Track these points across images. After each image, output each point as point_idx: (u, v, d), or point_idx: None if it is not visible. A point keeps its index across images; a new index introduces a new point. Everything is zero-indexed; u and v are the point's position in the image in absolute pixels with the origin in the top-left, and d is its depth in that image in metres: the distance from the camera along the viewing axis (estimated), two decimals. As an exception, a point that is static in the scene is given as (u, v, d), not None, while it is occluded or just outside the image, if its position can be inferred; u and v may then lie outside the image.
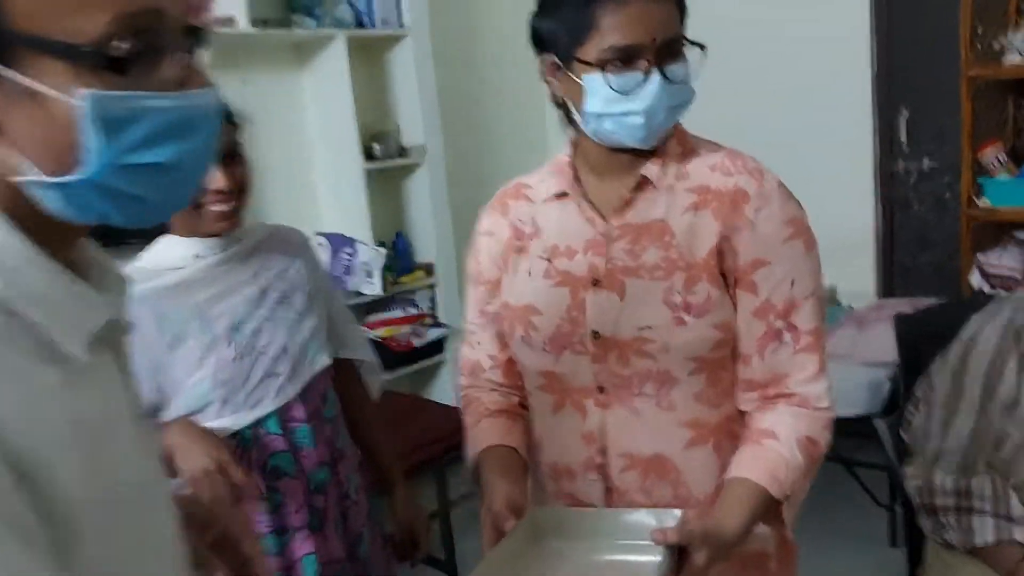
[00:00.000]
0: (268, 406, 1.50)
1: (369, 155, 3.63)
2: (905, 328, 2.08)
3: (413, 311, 3.80)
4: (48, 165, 0.64)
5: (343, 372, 1.70)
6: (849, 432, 1.99)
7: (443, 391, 4.06)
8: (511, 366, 1.39)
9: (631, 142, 1.20)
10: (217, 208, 1.42)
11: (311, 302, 1.58)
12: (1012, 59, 3.25)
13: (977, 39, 3.29)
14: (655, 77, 1.14)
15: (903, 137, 3.74)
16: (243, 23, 3.15)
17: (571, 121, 1.25)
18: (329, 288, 1.71)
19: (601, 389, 1.24)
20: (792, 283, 1.20)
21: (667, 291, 1.20)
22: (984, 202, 3.32)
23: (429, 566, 2.97)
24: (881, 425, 2.47)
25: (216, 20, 3.14)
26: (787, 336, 1.21)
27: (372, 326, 3.68)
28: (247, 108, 3.19)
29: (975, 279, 3.34)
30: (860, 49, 3.69)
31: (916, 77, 3.64)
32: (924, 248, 3.78)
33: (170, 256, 1.48)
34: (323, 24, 3.44)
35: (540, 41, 1.23)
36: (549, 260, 1.28)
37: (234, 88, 3.36)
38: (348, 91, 3.46)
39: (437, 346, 3.84)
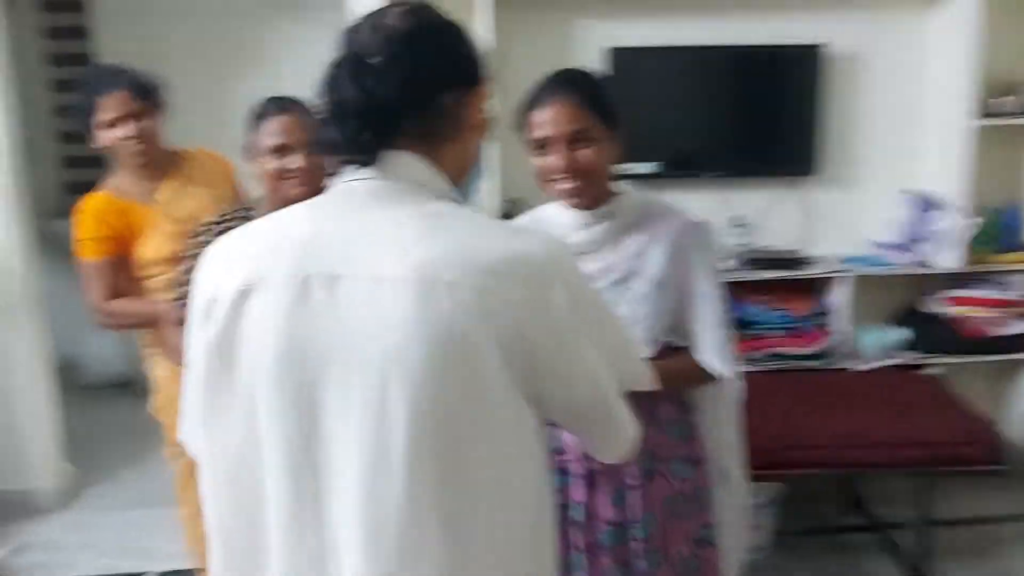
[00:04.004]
0: None
1: (989, 111, 3.19)
2: None
3: (1003, 295, 3.31)
4: None
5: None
6: None
7: (1004, 393, 3.51)
8: None
9: None
10: (561, 186, 1.60)
11: (655, 291, 1.64)
12: None
13: None
14: None
15: None
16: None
17: None
18: (697, 285, 1.67)
19: None
20: None
21: None
22: None
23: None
24: None
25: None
26: None
27: (948, 301, 3.34)
28: (870, 47, 3.15)
29: None
30: None
31: None
32: None
33: (559, 217, 1.71)
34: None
35: None
36: None
37: (860, 27, 3.28)
38: (974, 36, 3.07)
39: (1019, 342, 3.29)
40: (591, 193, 1.63)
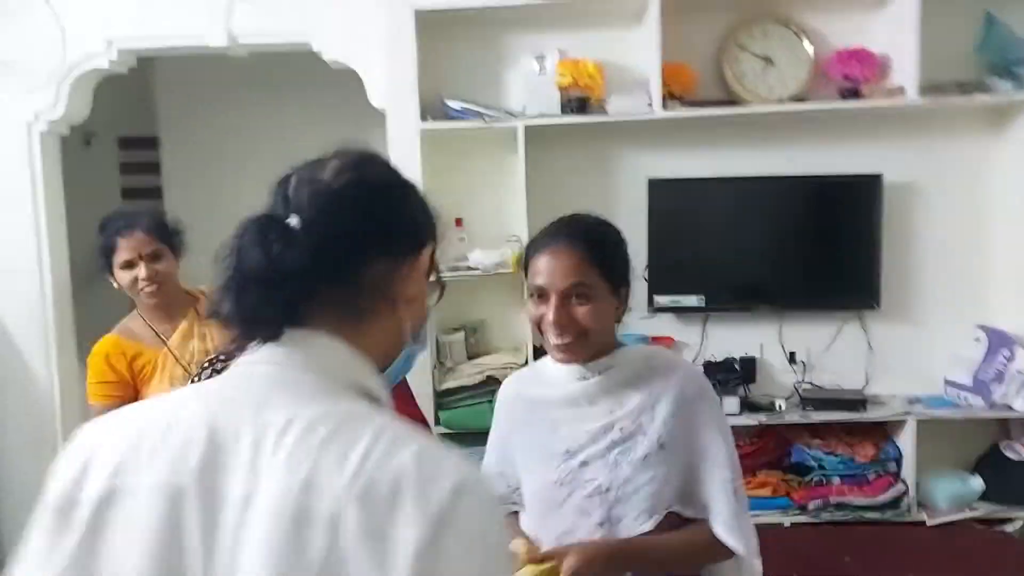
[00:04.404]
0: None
1: (1065, 242, 2.97)
2: None
3: (1097, 442, 2.98)
4: None
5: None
6: None
7: None
8: None
9: None
10: (552, 339, 1.47)
11: (660, 453, 1.47)
12: None
13: None
14: None
15: None
16: (912, 92, 2.91)
17: None
18: (705, 448, 1.50)
19: None
20: None
21: None
22: None
23: None
24: None
25: (887, 91, 2.99)
26: None
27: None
28: (931, 176, 2.98)
29: None
30: None
31: None
32: None
33: (554, 368, 1.57)
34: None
35: None
36: None
37: (920, 156, 3.14)
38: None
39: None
40: (582, 351, 1.49)
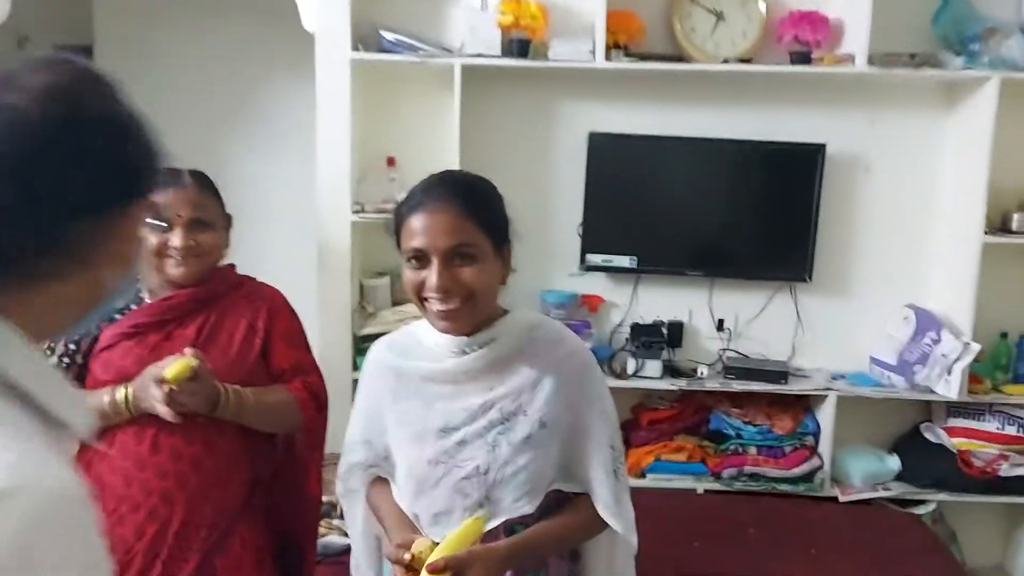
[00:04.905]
0: (453, 526, 1.38)
1: (1003, 227, 2.92)
2: None
3: (1014, 430, 2.97)
4: None
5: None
6: None
7: (1013, 539, 3.14)
8: None
9: None
10: (435, 306, 1.37)
11: (542, 433, 1.39)
12: None
13: None
14: None
15: None
16: (861, 61, 2.81)
17: None
18: (589, 427, 1.43)
19: None
20: None
21: None
22: None
23: None
24: None
25: (836, 58, 2.89)
26: None
27: (949, 431, 3.01)
28: (875, 150, 2.90)
29: None
30: None
31: None
32: None
33: (429, 338, 1.46)
34: (977, 63, 2.84)
35: None
36: None
37: (865, 129, 3.05)
38: (986, 147, 2.81)
39: (1029, 484, 2.94)
40: (469, 317, 1.38)
